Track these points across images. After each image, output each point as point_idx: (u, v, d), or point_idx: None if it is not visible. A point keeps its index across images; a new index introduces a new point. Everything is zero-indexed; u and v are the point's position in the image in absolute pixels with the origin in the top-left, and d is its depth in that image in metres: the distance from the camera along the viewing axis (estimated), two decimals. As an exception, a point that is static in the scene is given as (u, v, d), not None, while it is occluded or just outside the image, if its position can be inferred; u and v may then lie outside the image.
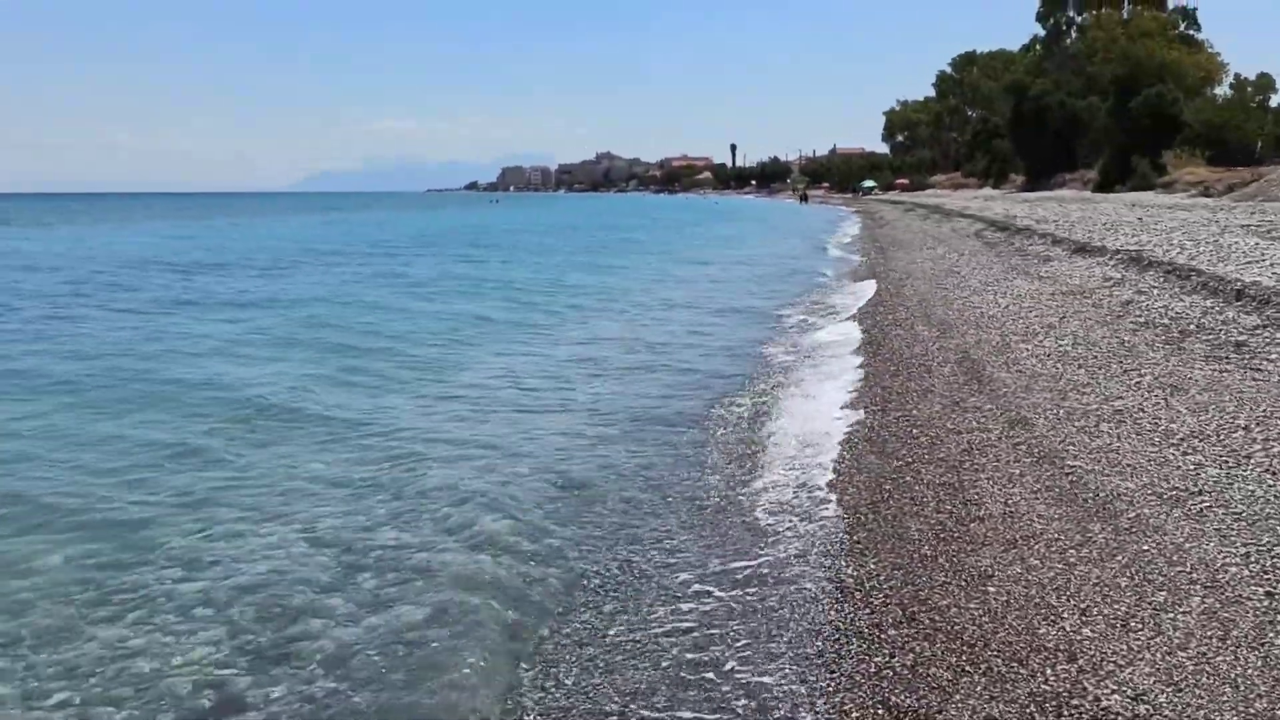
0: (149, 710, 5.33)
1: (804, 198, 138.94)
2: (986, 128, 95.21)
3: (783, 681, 5.30)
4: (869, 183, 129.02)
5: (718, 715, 5.07)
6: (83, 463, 9.85)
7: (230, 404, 12.32)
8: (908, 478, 8.28)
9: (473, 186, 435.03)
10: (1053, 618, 5.57)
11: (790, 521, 7.74)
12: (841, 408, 11.22)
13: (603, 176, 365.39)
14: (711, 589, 6.62)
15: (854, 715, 4.86)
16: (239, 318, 21.16)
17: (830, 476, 8.67)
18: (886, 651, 5.42)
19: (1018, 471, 8.09)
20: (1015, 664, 5.11)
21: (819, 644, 5.66)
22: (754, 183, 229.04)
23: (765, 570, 6.85)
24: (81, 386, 13.53)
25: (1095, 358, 11.93)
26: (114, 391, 13.21)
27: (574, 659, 5.75)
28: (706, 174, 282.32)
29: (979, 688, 4.93)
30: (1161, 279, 17.36)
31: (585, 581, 6.88)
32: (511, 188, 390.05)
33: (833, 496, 8.14)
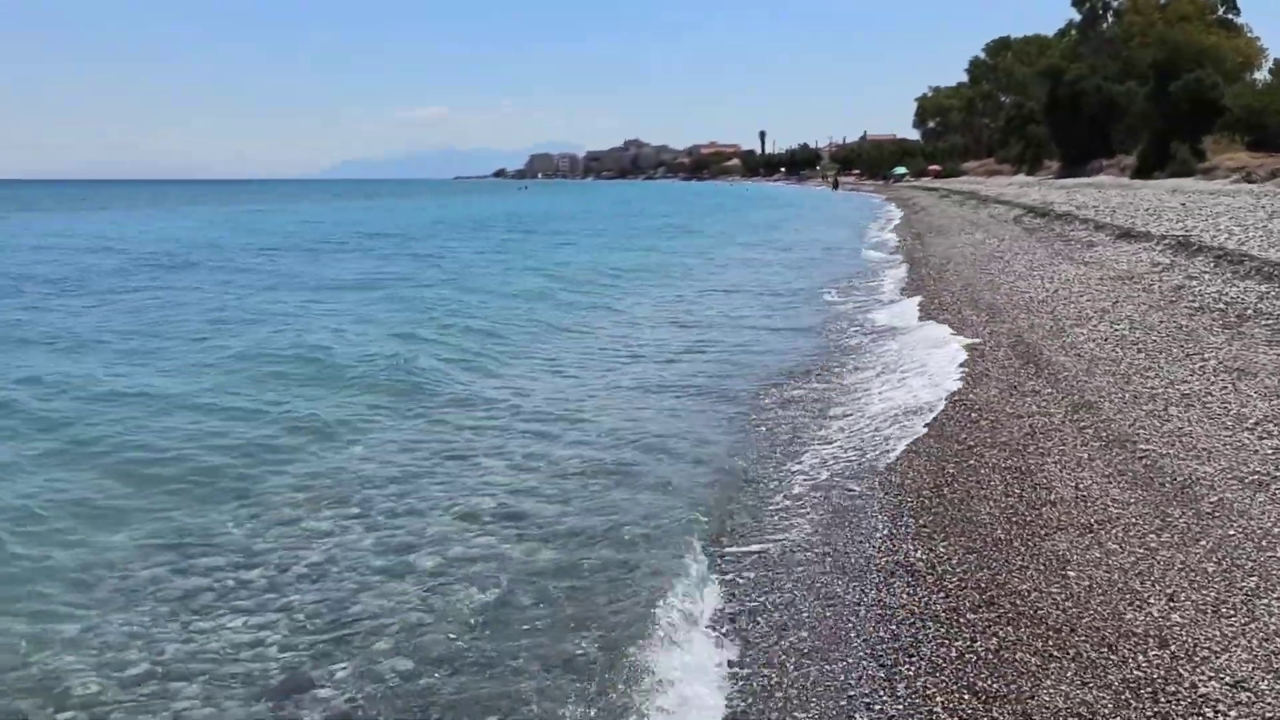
0: (227, 683, 5.30)
1: (835, 184, 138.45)
2: (1021, 113, 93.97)
3: (856, 666, 5.16)
4: (901, 169, 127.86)
5: (794, 698, 4.96)
6: (201, 430, 10.29)
7: (335, 380, 12.74)
8: (970, 461, 8.13)
9: (501, 174, 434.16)
10: (1139, 603, 5.41)
11: (850, 503, 7.61)
12: (891, 390, 11.10)
13: (631, 164, 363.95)
14: (775, 572, 6.51)
15: (938, 700, 4.73)
16: (320, 298, 21.89)
17: (889, 459, 8.54)
18: (967, 636, 5.28)
19: (1086, 455, 7.91)
20: (1105, 650, 4.97)
21: (892, 627, 5.51)
22: (783, 170, 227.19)
23: (828, 552, 6.72)
24: (186, 358, 14.35)
25: (1154, 342, 11.71)
26: (252, 362, 13.88)
27: (631, 651, 5.67)
28: (735, 161, 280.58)
29: (1069, 673, 4.79)
30: (1212, 264, 17.06)
31: (656, 569, 6.80)
32: (540, 175, 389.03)
33: (893, 479, 8.00)
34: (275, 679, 5.36)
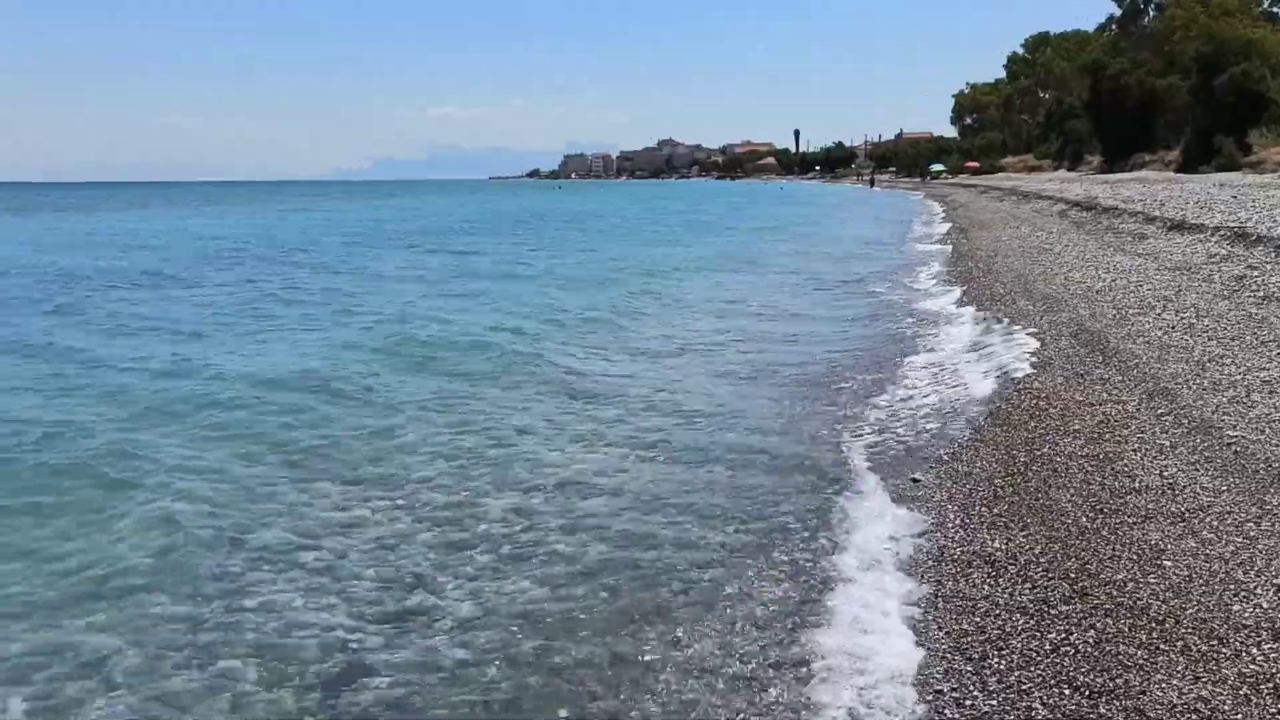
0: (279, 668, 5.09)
1: (872, 182, 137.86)
2: (1061, 109, 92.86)
3: (939, 659, 4.85)
4: (938, 166, 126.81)
5: (875, 693, 4.67)
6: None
7: (425, 367, 12.83)
8: (1043, 449, 7.79)
9: (534, 174, 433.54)
10: (1245, 594, 5.08)
11: (917, 490, 7.30)
12: (950, 378, 10.79)
13: (664, 163, 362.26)
14: (841, 558, 6.22)
15: (1035, 694, 4.42)
16: (399, 290, 22.13)
17: (953, 448, 8.22)
18: (1061, 628, 4.96)
19: (1168, 443, 7.55)
20: (1215, 642, 4.64)
21: (975, 619, 5.21)
22: (817, 169, 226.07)
23: (895, 547, 6.39)
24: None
25: (1224, 330, 11.29)
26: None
27: (694, 632, 5.40)
28: (770, 160, 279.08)
29: (1180, 667, 4.46)
30: (1273, 254, 16.55)
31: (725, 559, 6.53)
32: (574, 175, 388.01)
33: (959, 468, 7.68)
34: (334, 664, 5.15)
